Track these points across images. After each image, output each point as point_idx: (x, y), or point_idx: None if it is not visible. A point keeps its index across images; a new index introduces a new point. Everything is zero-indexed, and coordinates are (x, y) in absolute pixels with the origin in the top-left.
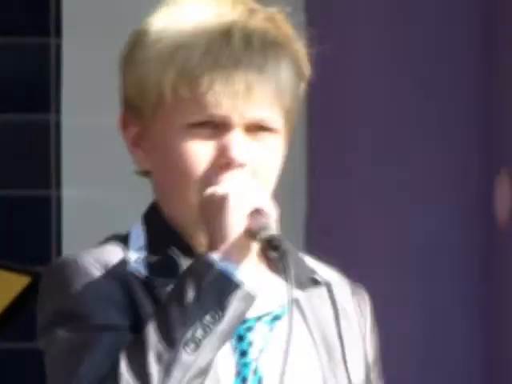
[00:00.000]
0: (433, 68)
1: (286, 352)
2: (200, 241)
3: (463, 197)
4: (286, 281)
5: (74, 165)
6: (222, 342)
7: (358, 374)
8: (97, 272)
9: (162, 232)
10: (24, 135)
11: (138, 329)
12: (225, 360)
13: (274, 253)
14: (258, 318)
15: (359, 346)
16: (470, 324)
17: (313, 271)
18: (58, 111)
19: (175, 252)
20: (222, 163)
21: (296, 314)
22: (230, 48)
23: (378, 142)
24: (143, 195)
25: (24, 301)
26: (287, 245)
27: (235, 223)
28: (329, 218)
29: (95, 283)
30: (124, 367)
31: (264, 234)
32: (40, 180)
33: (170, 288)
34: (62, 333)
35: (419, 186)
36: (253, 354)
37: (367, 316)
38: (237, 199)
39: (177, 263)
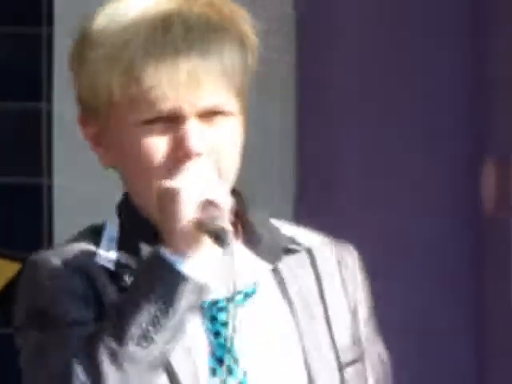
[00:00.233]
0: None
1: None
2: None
3: (450, 185)
4: (230, 273)
5: (65, 153)
6: (175, 334)
7: (343, 336)
8: (60, 267)
9: (133, 222)
10: (15, 123)
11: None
12: (199, 342)
13: (220, 245)
14: (230, 298)
15: (344, 309)
16: (459, 314)
17: (290, 240)
18: (49, 100)
19: (143, 243)
20: (180, 156)
21: (272, 284)
22: (169, 39)
23: (366, 131)
24: None
25: (15, 287)
26: (231, 238)
27: (185, 215)
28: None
29: (58, 279)
30: (78, 367)
31: (210, 226)
32: (31, 168)
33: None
34: (30, 332)
35: (406, 176)
36: (227, 333)
37: (356, 273)
38: (187, 191)
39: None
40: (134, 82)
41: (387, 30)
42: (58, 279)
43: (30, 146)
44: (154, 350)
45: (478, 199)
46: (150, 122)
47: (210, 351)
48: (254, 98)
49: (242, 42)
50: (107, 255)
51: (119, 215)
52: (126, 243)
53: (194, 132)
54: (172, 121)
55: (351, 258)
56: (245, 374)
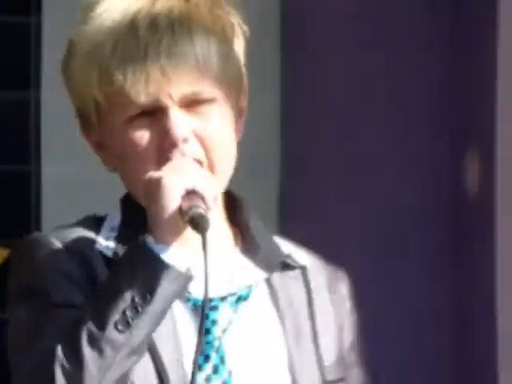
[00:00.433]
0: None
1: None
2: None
3: (434, 173)
4: (204, 260)
5: (53, 141)
6: (155, 321)
7: (328, 356)
8: (59, 249)
9: (136, 214)
10: (4, 111)
11: None
12: (188, 338)
13: (196, 231)
14: (223, 298)
15: (331, 330)
16: (440, 299)
17: (287, 256)
18: (37, 88)
19: (142, 235)
20: (167, 145)
21: (265, 292)
22: (137, 37)
23: (349, 119)
24: None
25: (3, 273)
26: (258, 231)
27: (167, 205)
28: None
29: (56, 260)
30: (59, 348)
31: (190, 213)
32: (20, 155)
33: None
34: (21, 309)
35: (390, 162)
36: (216, 332)
37: (345, 299)
38: (170, 181)
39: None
40: (109, 83)
41: (369, 36)
42: (56, 261)
43: (19, 134)
44: (134, 336)
45: (462, 189)
46: (135, 118)
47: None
48: None
49: (218, 29)
50: (106, 243)
51: (122, 207)
52: (125, 234)
53: (176, 120)
54: (155, 114)
55: (342, 283)
56: (230, 373)
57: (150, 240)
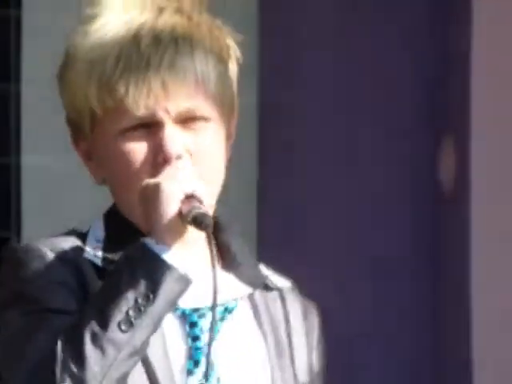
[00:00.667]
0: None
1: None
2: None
3: (410, 168)
4: (211, 253)
5: (33, 133)
6: (157, 322)
7: (302, 377)
8: (50, 257)
9: (121, 227)
10: None
11: None
12: (177, 344)
13: (200, 229)
14: (211, 308)
15: (304, 354)
16: (418, 293)
17: (266, 277)
18: (17, 81)
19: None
20: (161, 160)
21: (247, 308)
22: (139, 50)
23: (327, 120)
24: None
25: None
26: (240, 251)
27: (167, 208)
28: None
29: (48, 268)
30: (60, 348)
31: (191, 214)
32: (0, 147)
33: None
34: (13, 315)
35: (367, 160)
36: (205, 339)
37: (315, 329)
38: (168, 186)
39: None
40: (108, 94)
41: (348, 29)
42: (48, 268)
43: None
44: (136, 336)
45: (438, 182)
46: (130, 129)
47: (188, 354)
48: None
49: (216, 49)
50: (94, 250)
51: (106, 222)
52: (112, 245)
53: (171, 136)
54: (150, 127)
55: (313, 314)
56: (218, 380)
57: (150, 242)
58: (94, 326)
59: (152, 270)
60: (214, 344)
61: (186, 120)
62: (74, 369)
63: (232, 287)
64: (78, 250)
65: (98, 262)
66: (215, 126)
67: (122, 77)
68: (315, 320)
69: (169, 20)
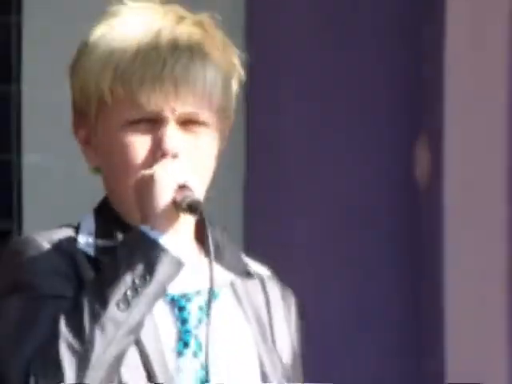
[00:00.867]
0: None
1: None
2: (139, 220)
3: (387, 162)
4: (206, 237)
5: (34, 131)
6: (152, 302)
7: (284, 356)
8: (47, 248)
9: (111, 221)
10: None
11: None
12: (168, 328)
13: (194, 215)
14: (197, 293)
15: (285, 338)
16: (396, 277)
17: (248, 265)
18: (18, 82)
19: (121, 236)
20: (158, 154)
21: (230, 295)
22: (157, 50)
23: (312, 119)
24: None
25: None
26: (223, 240)
27: (161, 197)
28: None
29: (45, 257)
30: (63, 327)
31: (184, 202)
32: (1, 145)
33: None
34: (12, 302)
35: (349, 154)
36: (192, 322)
37: (293, 316)
38: (162, 177)
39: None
40: (121, 85)
41: (325, 28)
42: (44, 257)
43: (1, 126)
44: (133, 315)
45: (414, 172)
46: (134, 122)
47: (178, 336)
48: None
49: (225, 65)
50: (86, 242)
51: (96, 216)
52: (102, 235)
53: (172, 134)
54: (154, 123)
55: (291, 300)
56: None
57: (146, 228)
58: (94, 305)
59: (148, 254)
60: (203, 327)
61: (188, 122)
62: (78, 346)
63: (216, 274)
64: (72, 241)
65: (91, 251)
66: (212, 132)
67: (138, 72)
68: (293, 305)
69: (187, 29)
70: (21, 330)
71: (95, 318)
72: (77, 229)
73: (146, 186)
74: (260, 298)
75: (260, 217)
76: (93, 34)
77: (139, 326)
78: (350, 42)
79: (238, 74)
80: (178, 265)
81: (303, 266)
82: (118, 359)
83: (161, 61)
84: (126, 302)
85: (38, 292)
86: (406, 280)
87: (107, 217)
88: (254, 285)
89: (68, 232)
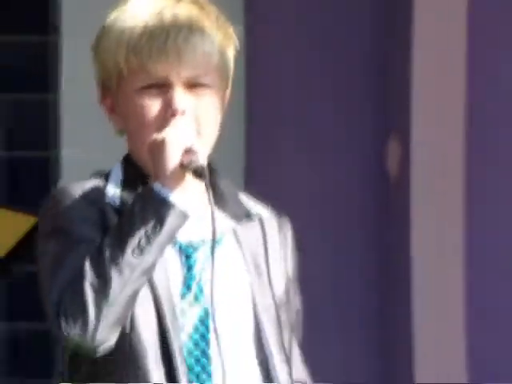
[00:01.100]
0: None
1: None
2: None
3: (364, 157)
4: (209, 199)
5: (70, 132)
6: (162, 249)
7: (279, 289)
8: (80, 199)
9: (135, 173)
10: (29, 110)
11: None
12: (176, 273)
13: (199, 178)
14: (202, 242)
15: (281, 269)
16: (367, 261)
17: (248, 209)
18: (55, 91)
19: (142, 186)
20: (169, 113)
21: (233, 241)
22: (161, 26)
23: (301, 113)
24: None
25: (32, 237)
26: (227, 188)
27: (170, 160)
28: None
29: (78, 207)
30: (88, 268)
31: (191, 166)
32: (41, 142)
33: None
34: (51, 242)
35: (330, 148)
36: (197, 268)
37: (289, 242)
38: (172, 141)
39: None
40: (134, 56)
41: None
42: (78, 207)
43: (42, 126)
44: (146, 260)
45: (385, 165)
46: (146, 88)
47: (184, 280)
48: None
49: (220, 34)
50: (113, 194)
51: (123, 166)
52: (127, 187)
53: (179, 96)
54: (163, 88)
55: (287, 228)
56: (206, 302)
57: (157, 186)
58: (113, 252)
59: (159, 209)
60: (204, 271)
61: (191, 85)
62: (98, 286)
63: (219, 223)
64: (101, 194)
65: (117, 203)
66: (214, 93)
67: (147, 44)
68: (288, 234)
69: (186, 7)
70: (56, 266)
71: (114, 262)
72: (107, 177)
73: (157, 149)
74: (259, 239)
75: None
76: (109, 19)
77: (151, 268)
78: (327, 43)
79: (233, 42)
80: (184, 217)
81: None
82: (133, 297)
83: (164, 34)
84: (140, 249)
85: (72, 236)
86: (376, 255)
87: (131, 168)
88: (253, 227)
89: (99, 184)
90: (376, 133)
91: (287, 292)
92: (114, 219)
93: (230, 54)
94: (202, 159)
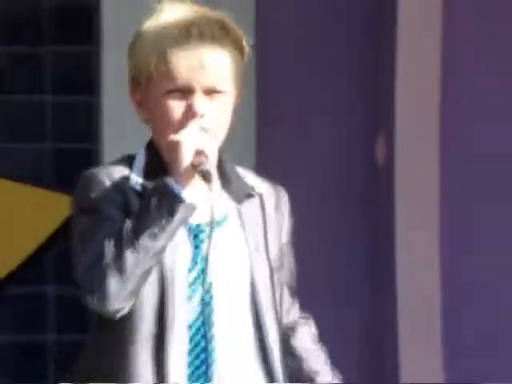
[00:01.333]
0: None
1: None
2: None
3: (360, 147)
4: (211, 198)
5: (112, 126)
6: (172, 235)
7: (273, 256)
8: (107, 183)
9: (156, 158)
10: (75, 111)
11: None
12: (185, 250)
13: (205, 182)
14: (208, 223)
15: (276, 238)
16: (354, 239)
17: (250, 187)
18: (98, 95)
19: (161, 173)
20: (189, 115)
21: (237, 220)
22: (189, 38)
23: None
24: None
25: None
26: (232, 171)
27: (183, 160)
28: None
29: (105, 190)
30: (111, 247)
31: (200, 168)
32: (86, 136)
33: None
34: (83, 219)
35: (325, 141)
36: (204, 247)
37: (286, 212)
38: (185, 143)
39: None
40: (163, 63)
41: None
42: (105, 190)
43: (86, 123)
44: (158, 244)
45: (376, 155)
46: (172, 91)
47: (192, 257)
48: None
49: (237, 48)
50: (136, 180)
51: (147, 151)
52: (149, 173)
53: (200, 101)
54: (186, 92)
55: (283, 200)
56: (211, 275)
57: (170, 181)
58: (131, 237)
59: (172, 203)
60: (211, 249)
61: (209, 91)
62: (117, 264)
63: (223, 204)
64: (125, 179)
65: (139, 188)
66: (227, 99)
67: (175, 54)
68: (284, 203)
69: (210, 23)
70: (86, 240)
71: (132, 245)
72: (132, 161)
73: (173, 149)
74: (258, 218)
75: None
76: (143, 26)
77: (162, 251)
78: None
79: (246, 52)
80: (192, 210)
81: None
82: (146, 274)
83: (191, 47)
84: (154, 235)
85: (100, 215)
86: (364, 230)
87: (154, 155)
88: (254, 204)
89: (124, 170)
90: (368, 130)
91: (281, 257)
92: (135, 202)
93: (243, 64)
94: (210, 163)
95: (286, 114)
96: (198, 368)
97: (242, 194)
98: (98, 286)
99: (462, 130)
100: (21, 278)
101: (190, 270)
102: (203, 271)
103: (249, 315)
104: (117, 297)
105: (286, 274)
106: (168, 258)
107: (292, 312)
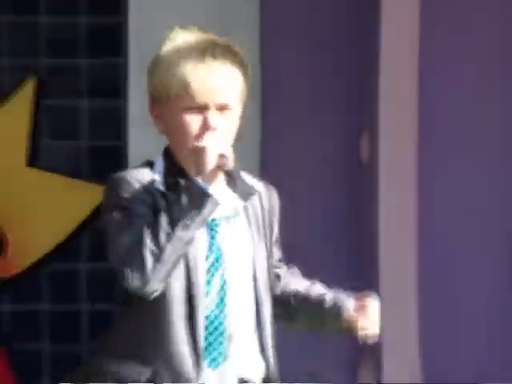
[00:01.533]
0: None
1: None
2: (191, 172)
3: (345, 147)
4: (236, 193)
5: (137, 126)
6: (201, 226)
7: (269, 246)
8: (136, 184)
9: (173, 163)
10: (102, 113)
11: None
12: (203, 241)
13: (228, 177)
14: (224, 218)
15: (271, 230)
16: (340, 231)
17: (252, 187)
18: (125, 99)
19: (179, 177)
20: (204, 128)
21: (244, 216)
22: (203, 65)
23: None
24: None
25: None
26: (237, 173)
27: (209, 161)
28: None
29: (134, 190)
30: (147, 238)
31: (224, 167)
32: (114, 136)
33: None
34: (115, 216)
35: (316, 140)
36: (218, 239)
37: (276, 207)
38: (211, 148)
39: (181, 184)
40: (181, 86)
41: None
42: (134, 191)
43: (114, 123)
44: (189, 233)
45: (360, 153)
46: (189, 109)
47: (208, 246)
48: None
49: (243, 70)
50: (159, 181)
51: (164, 157)
52: (168, 175)
53: (213, 116)
54: (201, 109)
55: (274, 197)
56: (224, 263)
57: (199, 180)
58: (166, 228)
59: (200, 197)
60: (223, 240)
61: (221, 108)
62: (155, 251)
63: (233, 202)
64: (152, 181)
65: (162, 188)
66: (234, 113)
67: (192, 79)
68: (275, 200)
69: (221, 50)
70: (120, 233)
71: (168, 236)
72: (151, 166)
73: (199, 154)
74: (258, 210)
75: None
76: (161, 51)
77: (191, 240)
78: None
79: (249, 72)
80: (217, 204)
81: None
82: (178, 260)
83: (206, 72)
84: (186, 226)
85: (131, 212)
86: (350, 227)
87: (171, 161)
88: (255, 202)
89: (148, 173)
90: (353, 130)
91: (272, 245)
92: (161, 201)
93: (247, 84)
94: (231, 162)
95: (288, 116)
96: (213, 342)
97: (246, 193)
98: (138, 271)
99: (437, 128)
100: (60, 256)
101: (207, 257)
102: (217, 259)
103: (251, 293)
104: (155, 278)
105: (276, 255)
106: (191, 247)
107: (281, 272)
